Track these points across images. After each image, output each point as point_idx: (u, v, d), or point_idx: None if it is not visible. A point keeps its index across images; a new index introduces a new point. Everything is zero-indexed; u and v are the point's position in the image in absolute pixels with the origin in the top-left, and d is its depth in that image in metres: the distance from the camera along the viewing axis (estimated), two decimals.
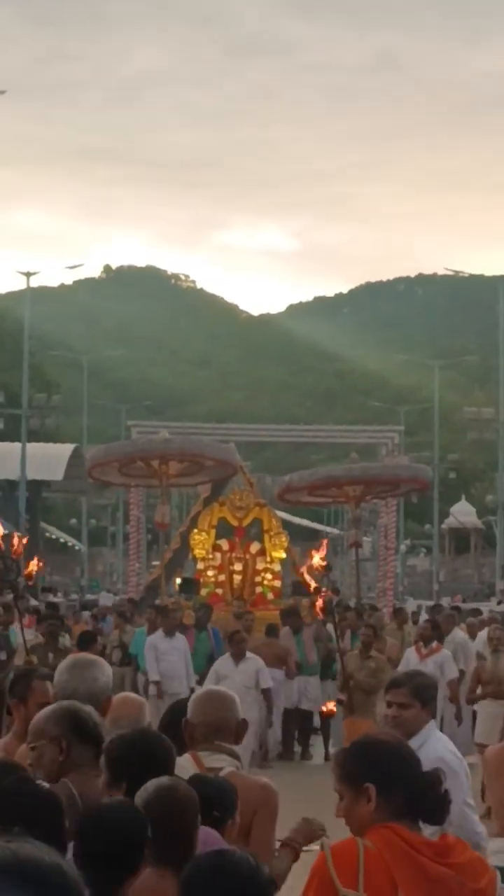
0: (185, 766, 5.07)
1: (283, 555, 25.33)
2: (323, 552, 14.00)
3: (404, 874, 3.93)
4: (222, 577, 24.78)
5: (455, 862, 4.01)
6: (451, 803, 4.18)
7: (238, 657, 16.84)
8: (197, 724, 5.42)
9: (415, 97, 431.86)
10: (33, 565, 13.56)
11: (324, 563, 13.88)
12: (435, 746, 6.30)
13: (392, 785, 4.08)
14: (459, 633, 19.81)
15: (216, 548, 25.12)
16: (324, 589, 14.49)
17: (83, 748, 4.95)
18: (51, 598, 40.95)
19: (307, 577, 15.24)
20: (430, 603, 35.21)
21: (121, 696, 6.67)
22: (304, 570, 15.60)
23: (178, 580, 26.99)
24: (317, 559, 13.76)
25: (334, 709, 16.24)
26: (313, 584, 14.18)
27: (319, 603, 14.04)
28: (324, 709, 16.72)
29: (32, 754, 5.03)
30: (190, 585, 24.85)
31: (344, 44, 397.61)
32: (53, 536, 73.07)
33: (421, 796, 4.09)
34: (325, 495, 27.79)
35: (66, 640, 17.33)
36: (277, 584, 25.18)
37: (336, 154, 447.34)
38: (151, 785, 4.26)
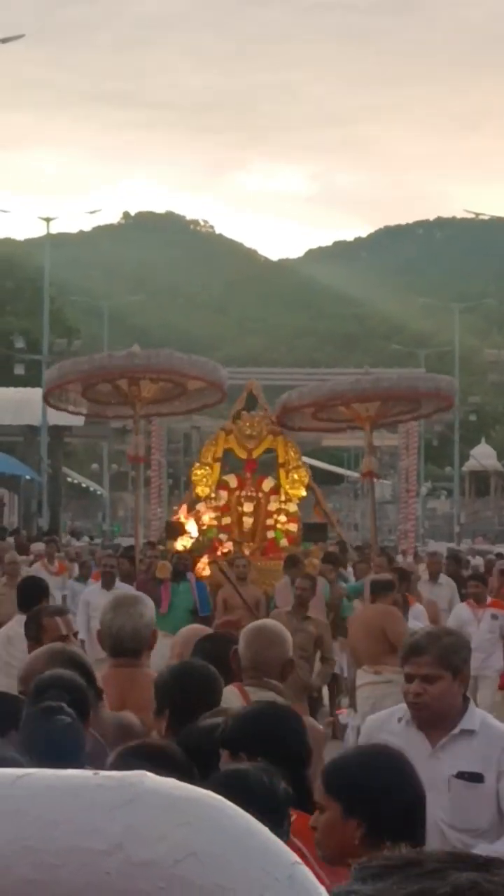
0: (230, 696, 5.14)
1: (303, 492, 20.95)
2: None
3: None
4: (228, 520, 20.47)
5: None
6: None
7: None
8: (243, 656, 5.49)
9: (431, 37, 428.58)
10: None
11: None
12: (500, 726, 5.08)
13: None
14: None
15: (222, 485, 20.85)
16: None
17: None
18: (75, 542, 41.45)
19: None
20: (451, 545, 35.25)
21: (191, 627, 6.79)
22: None
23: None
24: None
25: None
26: None
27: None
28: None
29: None
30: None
31: None
32: (75, 481, 73.44)
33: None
34: (333, 419, 22.44)
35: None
36: (293, 527, 20.56)
37: (353, 96, 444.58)
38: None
